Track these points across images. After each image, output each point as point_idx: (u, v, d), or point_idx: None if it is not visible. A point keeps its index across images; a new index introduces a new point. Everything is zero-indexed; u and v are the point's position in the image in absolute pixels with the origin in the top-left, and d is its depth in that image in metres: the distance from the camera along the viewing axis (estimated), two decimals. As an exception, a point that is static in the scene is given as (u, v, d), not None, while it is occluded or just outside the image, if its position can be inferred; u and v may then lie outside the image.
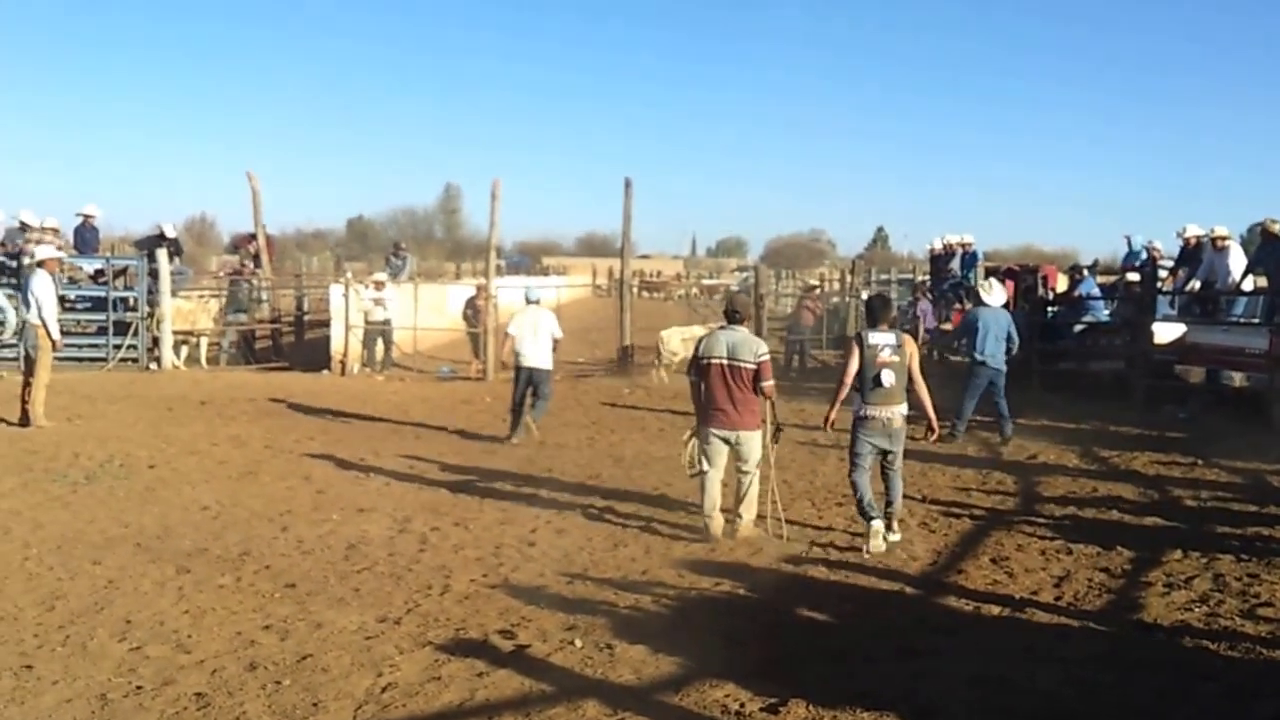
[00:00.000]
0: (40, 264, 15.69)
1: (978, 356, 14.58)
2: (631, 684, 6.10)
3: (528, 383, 14.76)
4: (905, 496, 10.01)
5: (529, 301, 15.33)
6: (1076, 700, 5.86)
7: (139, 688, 6.06)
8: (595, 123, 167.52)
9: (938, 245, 25.81)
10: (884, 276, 39.68)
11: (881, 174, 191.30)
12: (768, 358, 9.73)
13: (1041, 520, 10.38)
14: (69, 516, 10.08)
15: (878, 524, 9.21)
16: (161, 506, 10.54)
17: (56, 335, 15.40)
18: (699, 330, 18.08)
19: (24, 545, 9.05)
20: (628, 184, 23.38)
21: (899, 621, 7.32)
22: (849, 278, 34.47)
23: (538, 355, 14.74)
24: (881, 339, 9.36)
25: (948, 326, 23.18)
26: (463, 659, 6.47)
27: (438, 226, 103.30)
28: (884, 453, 9.44)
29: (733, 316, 9.85)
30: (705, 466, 9.64)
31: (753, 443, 9.61)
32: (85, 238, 23.02)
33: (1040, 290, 20.98)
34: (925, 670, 6.30)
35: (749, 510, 9.69)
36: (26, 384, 15.10)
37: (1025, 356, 19.91)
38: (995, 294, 15.34)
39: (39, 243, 18.74)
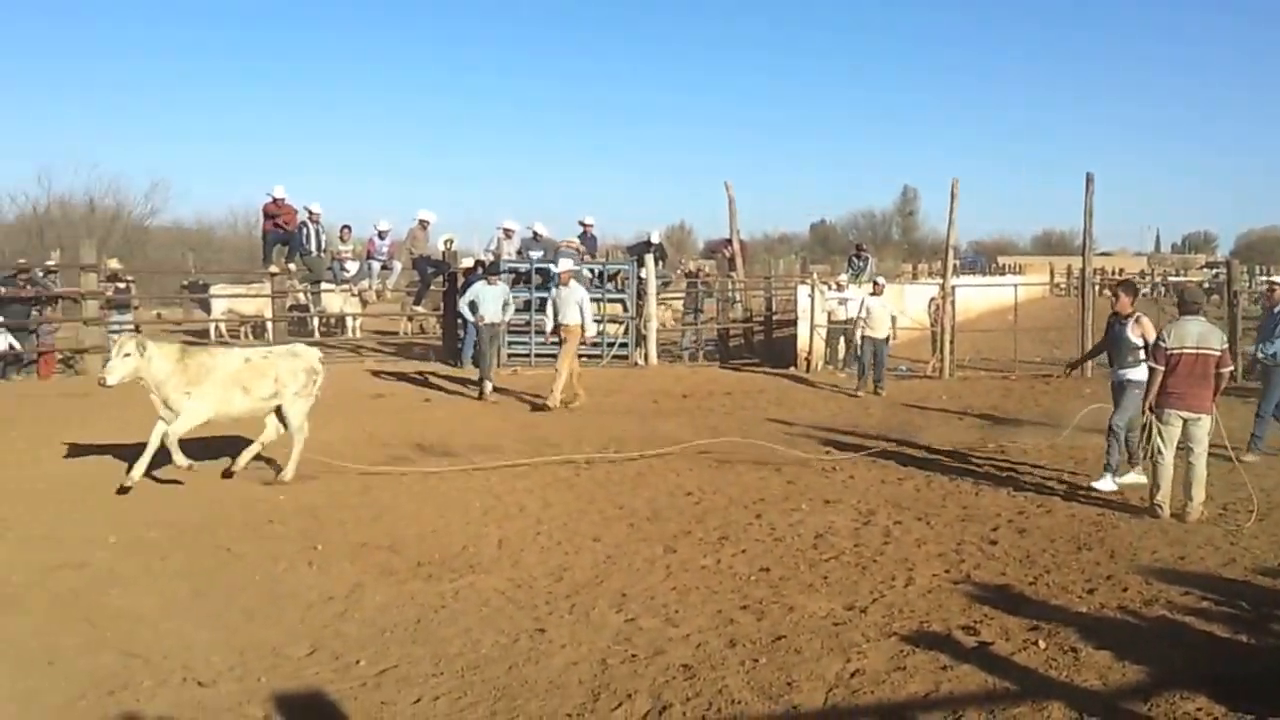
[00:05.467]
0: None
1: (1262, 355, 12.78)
2: (1097, 689, 5.78)
3: None
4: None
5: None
6: None
7: (633, 656, 6.36)
8: (1052, 118, 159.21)
9: None
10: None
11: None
12: (1227, 345, 10.20)
13: None
14: (573, 497, 10.74)
15: None
16: (650, 491, 11.02)
17: (591, 331, 17.41)
18: None
19: (536, 521, 9.74)
20: (1089, 179, 22.02)
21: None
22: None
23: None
24: None
25: None
26: (927, 651, 6.35)
27: (895, 228, 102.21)
28: None
29: (1190, 307, 10.26)
30: (1161, 447, 9.82)
31: (1205, 425, 9.84)
32: (586, 245, 24.02)
33: None
34: None
35: (1199, 492, 9.77)
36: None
37: None
38: None
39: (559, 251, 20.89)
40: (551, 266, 18.47)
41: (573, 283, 17.21)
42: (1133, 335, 10.98)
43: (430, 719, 5.51)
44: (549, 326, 17.20)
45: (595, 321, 18.43)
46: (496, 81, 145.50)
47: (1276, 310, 13.12)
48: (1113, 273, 63.29)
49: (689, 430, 14.73)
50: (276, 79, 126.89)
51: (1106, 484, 10.86)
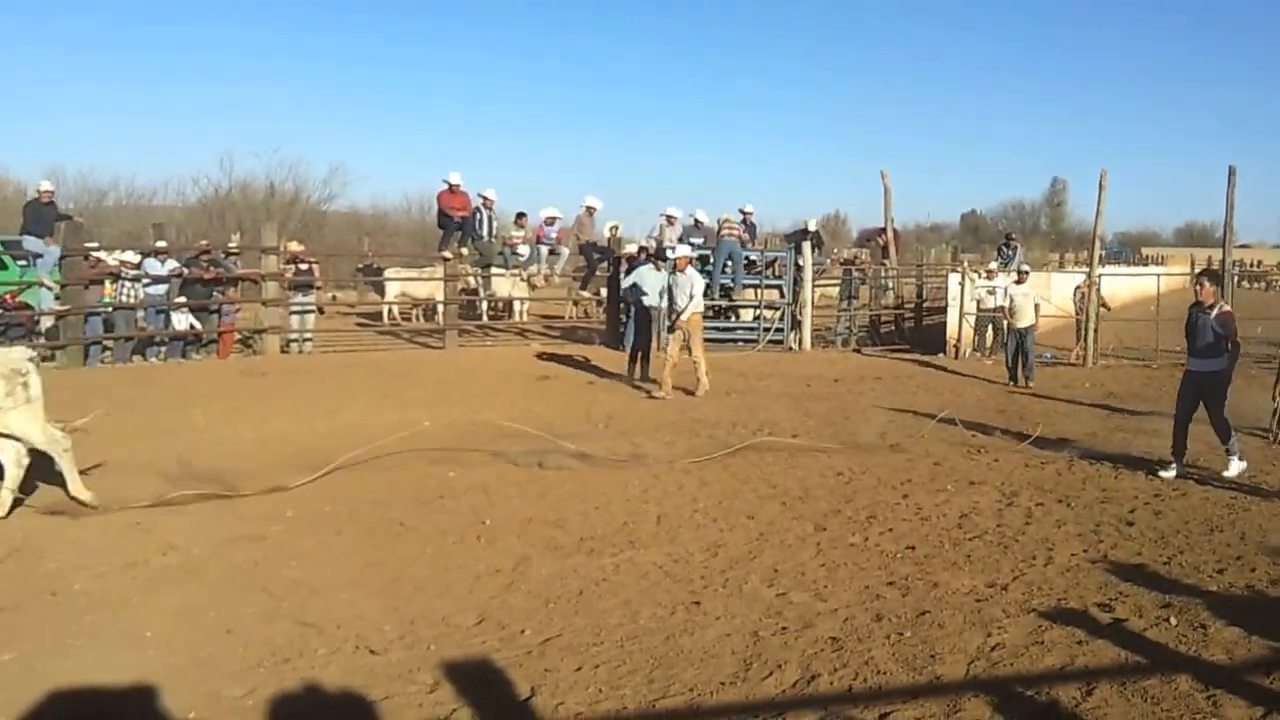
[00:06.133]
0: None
1: None
2: (1223, 663, 5.89)
3: None
4: None
5: None
6: None
7: (784, 628, 6.54)
8: (1198, 111, 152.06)
9: None
10: None
11: None
12: None
13: None
14: (728, 476, 10.90)
15: None
16: (802, 471, 11.14)
17: (684, 317, 16.60)
18: None
19: (693, 499, 9.93)
20: (1231, 172, 21.46)
21: None
22: None
23: None
24: None
25: None
26: (1063, 627, 6.49)
27: (1043, 219, 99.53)
28: None
29: None
30: None
31: None
32: (746, 231, 24.07)
33: None
34: None
35: None
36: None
37: None
38: None
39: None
40: (670, 251, 18.24)
41: (689, 269, 16.89)
42: (1217, 325, 10.63)
43: (591, 686, 5.66)
44: (685, 314, 16.74)
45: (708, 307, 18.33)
46: (660, 75, 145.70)
47: None
48: (1252, 264, 60.70)
49: (838, 414, 14.92)
50: (453, 67, 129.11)
51: (1235, 468, 10.68)
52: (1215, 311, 10.69)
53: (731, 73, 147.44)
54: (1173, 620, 6.57)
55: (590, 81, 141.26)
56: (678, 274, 16.87)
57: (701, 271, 21.77)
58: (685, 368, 16.71)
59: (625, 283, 18.47)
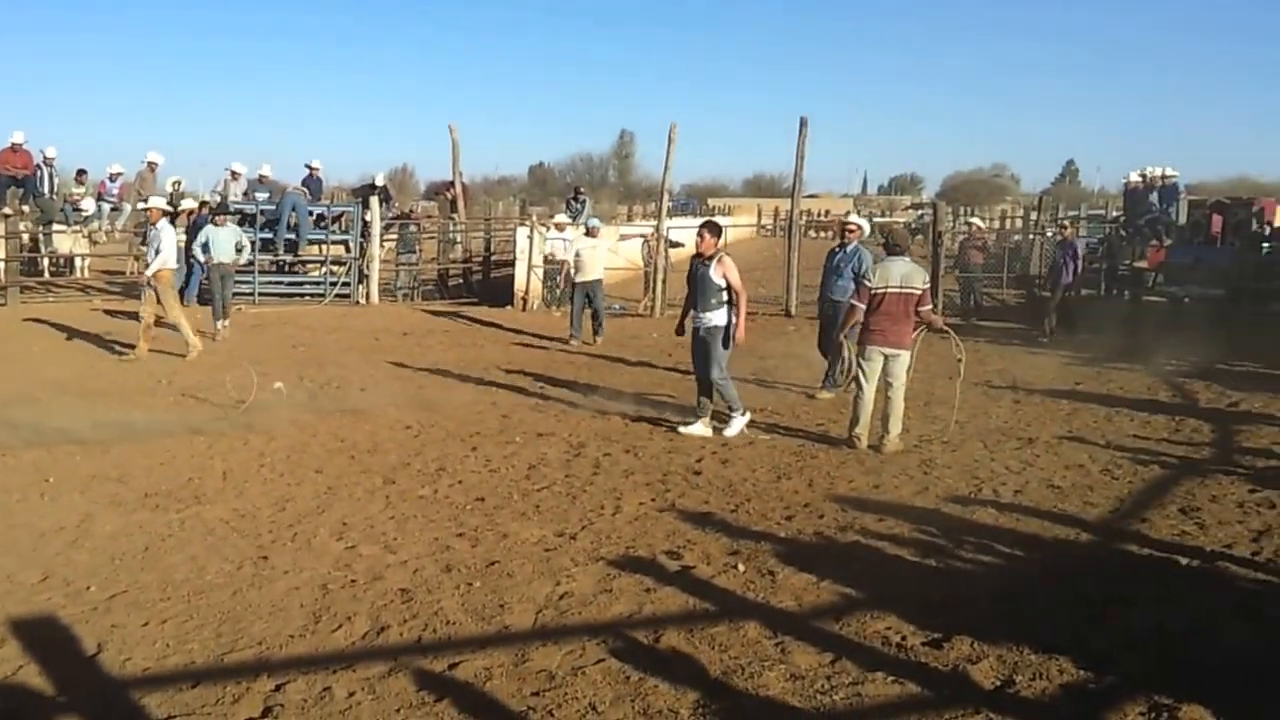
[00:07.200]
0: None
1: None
2: (792, 609, 6.06)
3: None
4: (1087, 442, 10.67)
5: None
6: (1267, 655, 5.42)
7: (353, 581, 6.47)
8: (765, 59, 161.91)
9: (1134, 178, 24.51)
10: (1072, 213, 37.29)
11: (1071, 104, 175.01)
12: (929, 285, 10.60)
13: (1241, 471, 9.41)
14: (295, 430, 10.69)
15: None
16: (371, 425, 10.99)
17: (149, 272, 15.14)
18: None
19: (260, 454, 9.71)
20: (803, 123, 22.32)
21: (1072, 567, 6.90)
22: (1033, 214, 32.70)
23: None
24: None
25: (1143, 264, 22.49)
26: (632, 575, 6.57)
27: (612, 171, 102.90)
28: None
29: (895, 248, 10.50)
30: (862, 380, 10.16)
31: (904, 361, 10.18)
32: (312, 187, 24.37)
33: (1255, 225, 19.66)
34: (1099, 618, 5.89)
35: (896, 425, 10.15)
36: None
37: (1234, 296, 18.75)
38: None
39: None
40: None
41: (162, 222, 15.45)
42: (715, 276, 10.64)
43: (159, 641, 5.58)
44: (150, 270, 15.22)
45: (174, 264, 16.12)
46: (225, 27, 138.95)
47: (849, 249, 12.96)
48: (819, 214, 65.00)
49: (406, 367, 14.79)
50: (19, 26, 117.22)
51: (698, 429, 10.77)
52: (714, 263, 10.75)
53: (296, 29, 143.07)
54: (741, 567, 6.73)
55: (155, 33, 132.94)
56: (150, 227, 15.55)
57: (265, 226, 21.95)
58: (265, 319, 15.89)
59: (196, 243, 17.84)
